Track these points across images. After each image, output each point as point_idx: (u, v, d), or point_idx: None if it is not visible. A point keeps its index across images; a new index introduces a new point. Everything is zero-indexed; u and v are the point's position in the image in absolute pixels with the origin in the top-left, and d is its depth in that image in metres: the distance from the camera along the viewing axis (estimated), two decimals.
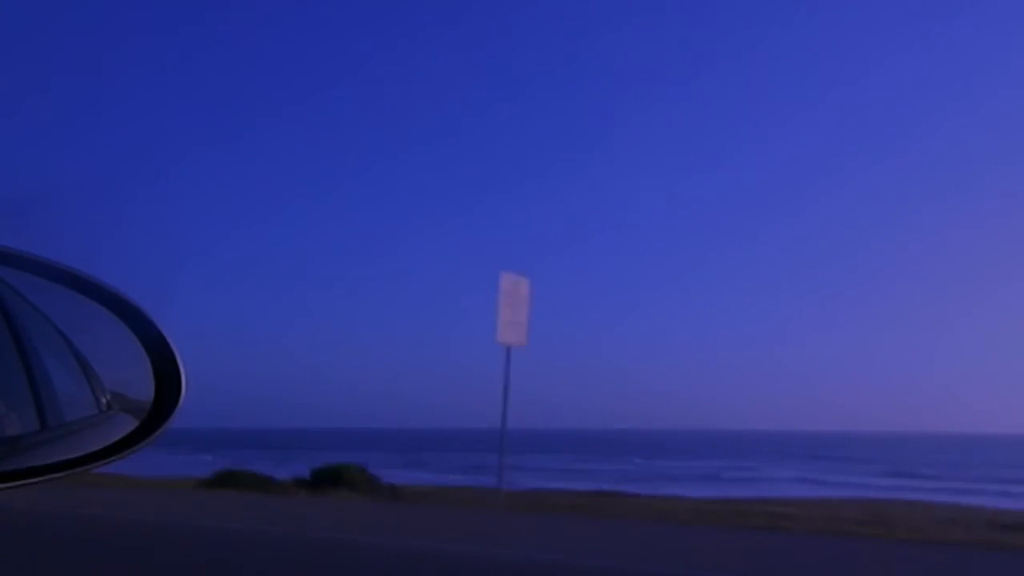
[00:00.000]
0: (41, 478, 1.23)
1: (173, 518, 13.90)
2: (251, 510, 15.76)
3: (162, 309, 1.38)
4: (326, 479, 20.25)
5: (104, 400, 1.51)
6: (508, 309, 12.96)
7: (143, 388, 1.36)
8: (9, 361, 1.38)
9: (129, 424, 1.37)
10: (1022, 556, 12.06)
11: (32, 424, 1.36)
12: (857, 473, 50.79)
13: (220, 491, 19.47)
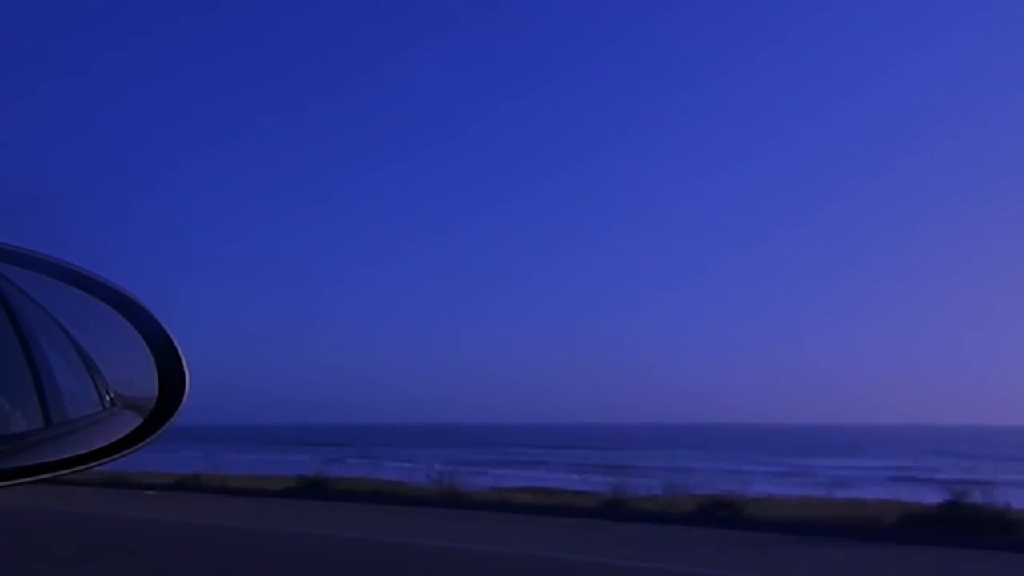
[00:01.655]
0: (45, 475, 1.23)
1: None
2: None
3: (166, 306, 1.38)
4: None
5: (108, 397, 1.51)
6: None
7: (147, 385, 1.36)
8: (13, 358, 1.38)
9: (133, 421, 1.37)
10: None
11: (36, 421, 1.36)
12: None
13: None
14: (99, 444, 1.34)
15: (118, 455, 1.33)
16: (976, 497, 12.47)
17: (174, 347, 1.35)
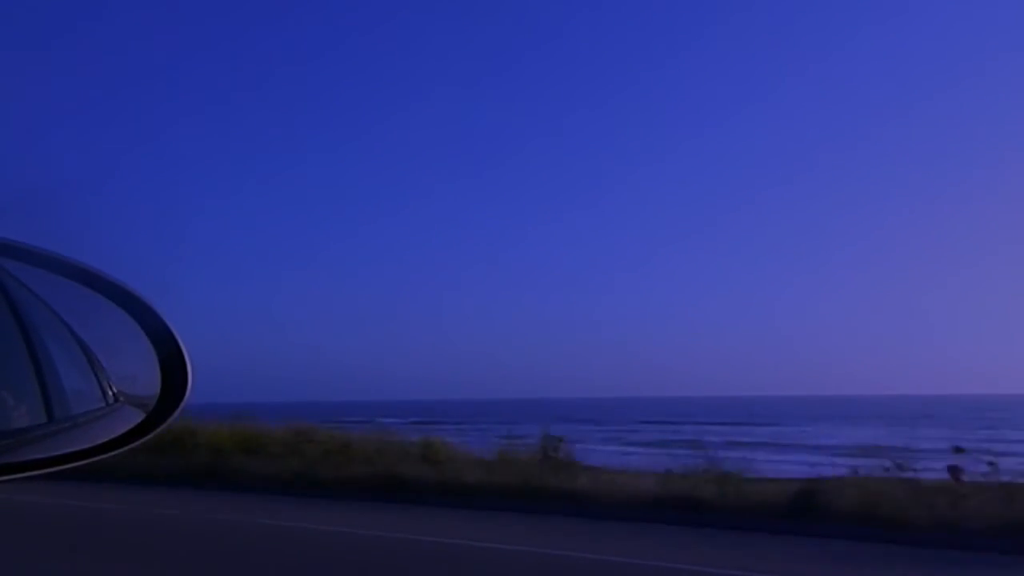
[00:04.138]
0: (47, 470, 1.23)
1: None
2: None
3: (169, 300, 1.38)
4: None
5: (111, 393, 1.52)
6: None
7: (149, 381, 1.36)
8: (16, 354, 1.38)
9: (135, 417, 1.37)
10: None
11: (39, 416, 1.36)
12: None
13: None
14: (101, 439, 1.34)
15: (120, 450, 1.33)
16: None
17: (177, 342, 1.35)
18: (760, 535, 10.36)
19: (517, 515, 11.62)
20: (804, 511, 10.77)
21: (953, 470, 11.26)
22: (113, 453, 1.32)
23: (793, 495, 11.19)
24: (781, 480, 13.46)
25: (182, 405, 1.36)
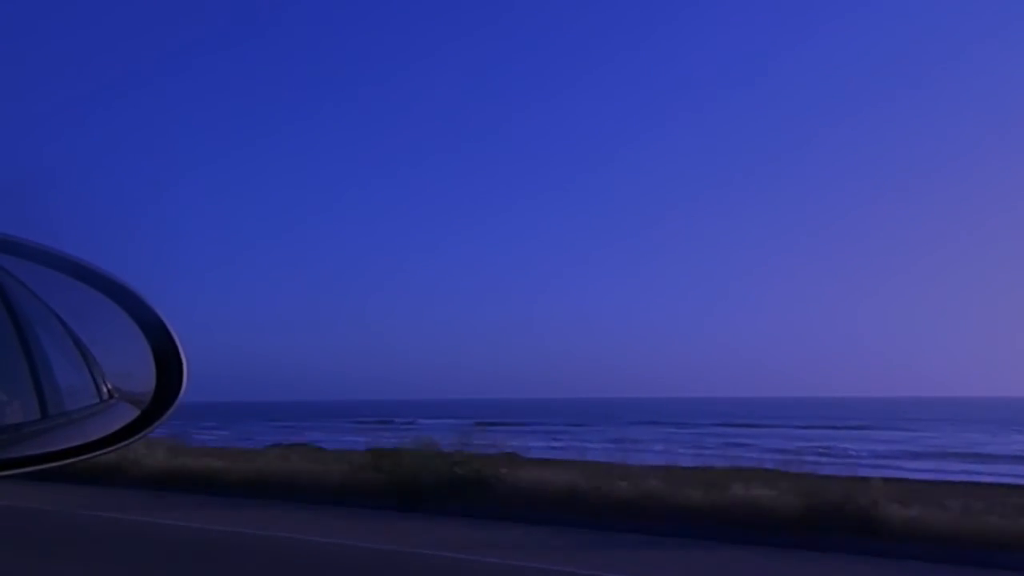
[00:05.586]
0: (41, 466, 1.22)
1: None
2: None
3: (166, 296, 1.37)
4: None
5: (105, 389, 1.51)
6: None
7: (144, 377, 1.35)
8: (11, 349, 1.37)
9: (130, 413, 1.36)
10: None
11: (33, 413, 1.35)
12: None
13: None
14: (96, 436, 1.34)
15: (115, 447, 1.32)
16: None
17: (172, 339, 1.35)
18: None
19: None
20: None
21: None
22: (107, 450, 1.31)
23: None
24: None
25: (177, 402, 1.35)
